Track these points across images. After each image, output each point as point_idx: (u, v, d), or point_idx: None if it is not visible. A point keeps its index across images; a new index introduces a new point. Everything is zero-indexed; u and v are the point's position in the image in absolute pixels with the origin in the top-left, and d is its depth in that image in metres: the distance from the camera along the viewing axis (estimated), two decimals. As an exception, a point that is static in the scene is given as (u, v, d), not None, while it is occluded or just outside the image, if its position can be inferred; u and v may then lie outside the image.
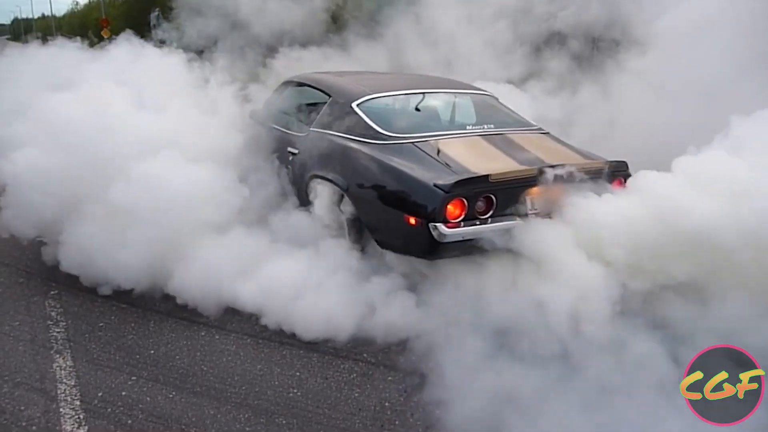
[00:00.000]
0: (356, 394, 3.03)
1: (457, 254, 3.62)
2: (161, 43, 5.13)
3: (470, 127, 4.39)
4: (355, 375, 3.19)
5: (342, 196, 4.13)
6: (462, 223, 3.54)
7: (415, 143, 4.00)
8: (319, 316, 3.52)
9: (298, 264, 3.87)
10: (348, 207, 4.09)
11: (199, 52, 5.40)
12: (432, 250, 3.58)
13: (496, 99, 5.05)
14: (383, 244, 3.91)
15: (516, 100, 5.58)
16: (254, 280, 3.83)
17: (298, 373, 3.20)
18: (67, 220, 4.11)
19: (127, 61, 4.85)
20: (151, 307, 3.92)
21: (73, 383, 3.09)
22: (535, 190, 3.68)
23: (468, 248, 3.56)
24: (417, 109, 4.65)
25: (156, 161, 4.06)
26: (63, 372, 3.19)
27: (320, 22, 7.79)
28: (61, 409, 2.88)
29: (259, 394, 3.03)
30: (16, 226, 4.31)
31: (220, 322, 3.73)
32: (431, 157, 3.83)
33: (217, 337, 3.57)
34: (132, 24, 5.49)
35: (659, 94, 5.37)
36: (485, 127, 4.38)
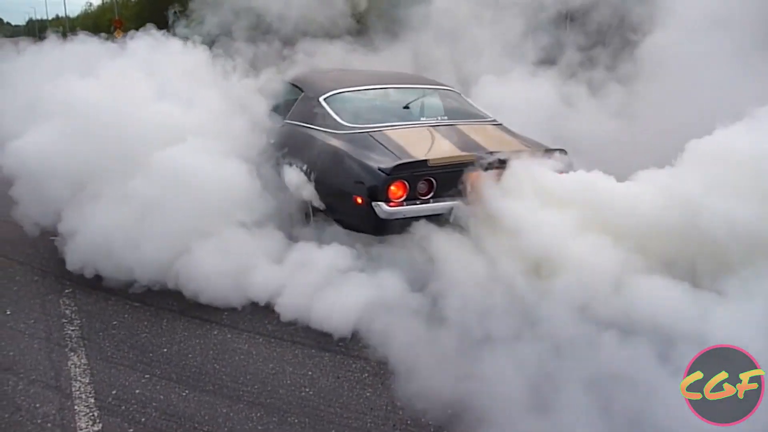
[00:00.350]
0: (368, 394, 3.03)
1: (400, 231, 3.95)
2: (184, 39, 5.24)
3: (424, 119, 4.79)
4: (366, 374, 3.20)
5: (306, 180, 4.39)
6: (404, 203, 3.93)
7: (370, 133, 4.39)
8: (332, 312, 3.57)
9: (316, 259, 3.94)
10: (309, 190, 4.33)
11: (211, 44, 5.48)
12: (377, 226, 3.96)
13: (459, 94, 5.43)
14: (340, 223, 4.23)
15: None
16: (272, 273, 3.94)
17: (310, 373, 3.21)
18: (84, 209, 4.17)
19: (149, 53, 4.97)
20: (164, 305, 3.94)
21: (87, 381, 3.12)
22: (474, 174, 3.95)
23: (411, 226, 3.91)
24: (405, 106, 4.93)
25: (181, 151, 4.14)
26: (78, 370, 3.22)
27: (342, 14, 7.75)
28: (75, 407, 2.91)
29: (271, 392, 3.04)
30: (31, 217, 4.38)
31: (232, 321, 3.75)
32: (382, 145, 4.21)
33: (229, 336, 3.59)
34: (144, 24, 5.54)
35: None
36: (439, 118, 4.79)
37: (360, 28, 8.39)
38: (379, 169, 3.92)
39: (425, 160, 3.96)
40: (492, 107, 5.32)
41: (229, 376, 3.19)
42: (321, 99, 4.83)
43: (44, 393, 3.02)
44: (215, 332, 3.63)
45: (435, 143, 4.36)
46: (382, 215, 3.87)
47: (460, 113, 4.99)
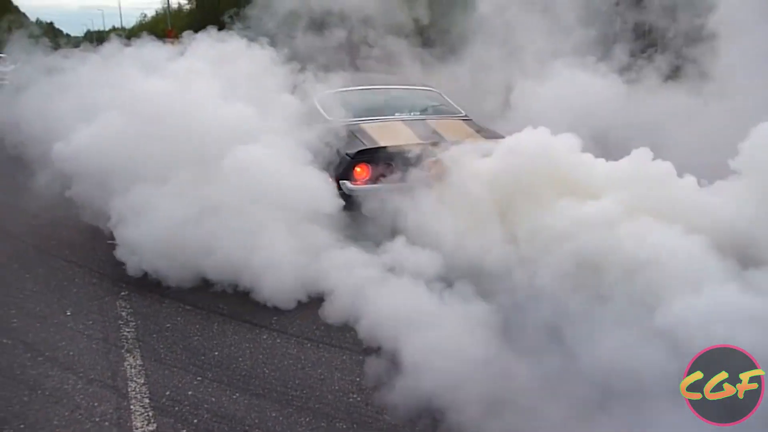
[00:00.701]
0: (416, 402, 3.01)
1: (362, 207, 4.50)
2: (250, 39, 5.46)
3: (398, 114, 5.50)
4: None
5: None
6: (367, 183, 4.72)
7: (348, 126, 5.11)
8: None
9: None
10: None
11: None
12: (344, 202, 4.51)
13: (439, 94, 6.11)
14: None
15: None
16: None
17: (357, 379, 3.22)
18: (148, 208, 4.32)
19: (214, 53, 5.18)
20: (215, 309, 4.03)
21: (142, 381, 3.21)
22: (433, 159, 4.52)
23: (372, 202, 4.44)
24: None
25: (255, 150, 4.29)
26: (133, 370, 3.31)
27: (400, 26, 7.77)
28: (131, 406, 2.99)
29: (319, 398, 3.07)
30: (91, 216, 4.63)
31: (281, 326, 3.79)
32: (356, 135, 4.97)
33: (278, 340, 3.63)
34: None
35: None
36: (411, 114, 5.55)
37: (423, 39, 8.38)
38: (346, 154, 4.75)
39: (385, 147, 4.74)
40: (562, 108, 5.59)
41: (278, 380, 3.23)
42: (314, 98, 5.46)
43: (102, 392, 3.12)
44: (264, 336, 3.68)
45: (400, 134, 5.06)
46: (347, 191, 4.61)
47: (434, 110, 5.82)
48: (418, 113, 5.63)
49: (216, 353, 3.50)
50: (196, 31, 5.95)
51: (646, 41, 7.44)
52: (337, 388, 3.15)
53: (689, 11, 6.55)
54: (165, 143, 4.36)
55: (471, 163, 4.26)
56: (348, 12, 7.58)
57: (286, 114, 4.84)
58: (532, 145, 3.91)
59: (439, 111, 5.83)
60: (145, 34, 6.15)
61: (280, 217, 4.21)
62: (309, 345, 3.58)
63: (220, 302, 4.08)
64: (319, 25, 7.50)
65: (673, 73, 6.59)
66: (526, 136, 4.02)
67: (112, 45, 5.80)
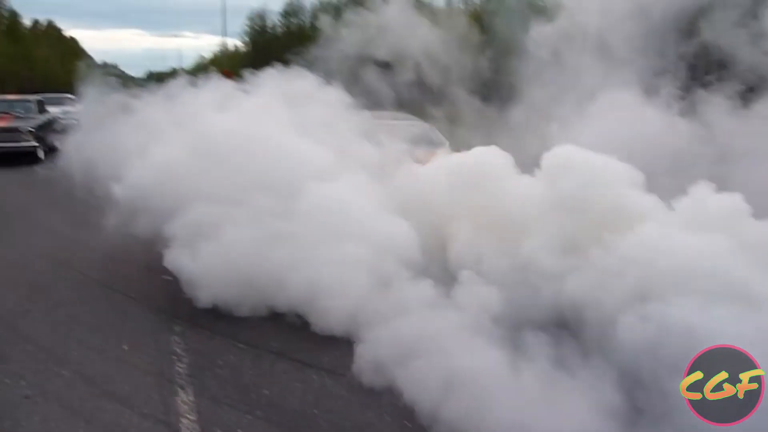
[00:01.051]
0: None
1: None
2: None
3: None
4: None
5: None
6: None
7: None
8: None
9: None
10: None
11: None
12: None
13: (429, 127, 7.14)
14: None
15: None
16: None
17: (409, 425, 3.16)
18: (217, 238, 4.47)
19: (285, 90, 5.42)
20: (266, 347, 4.05)
21: (194, 418, 3.23)
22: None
23: None
24: None
25: (334, 187, 4.47)
26: (185, 406, 3.35)
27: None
28: (183, 443, 3.02)
29: (369, 442, 3.02)
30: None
31: (332, 366, 3.78)
32: None
33: (328, 381, 3.62)
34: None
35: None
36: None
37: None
38: None
39: None
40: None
41: (327, 422, 3.20)
42: None
43: (155, 427, 3.15)
44: (315, 377, 3.67)
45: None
46: None
47: (420, 139, 6.74)
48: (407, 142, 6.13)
49: (266, 392, 3.51)
50: (253, 71, 6.18)
51: (705, 71, 7.25)
52: (386, 432, 3.10)
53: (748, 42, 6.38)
54: (237, 176, 4.55)
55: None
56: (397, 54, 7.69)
57: (360, 154, 4.95)
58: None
59: (416, 141, 6.57)
60: (205, 73, 6.39)
61: (353, 254, 4.24)
62: (359, 386, 3.54)
63: (271, 340, 4.11)
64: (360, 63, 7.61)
65: (737, 102, 6.38)
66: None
67: (180, 83, 6.04)
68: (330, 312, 4.11)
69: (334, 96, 5.56)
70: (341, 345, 3.97)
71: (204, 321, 4.44)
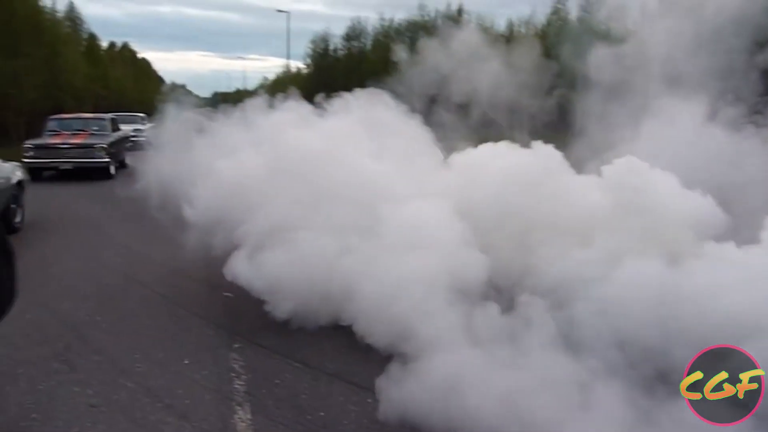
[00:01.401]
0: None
1: None
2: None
3: None
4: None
5: None
6: None
7: None
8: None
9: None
10: None
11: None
12: None
13: None
14: None
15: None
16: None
17: (464, 454, 3.10)
18: (294, 254, 4.57)
19: (366, 112, 5.56)
20: (323, 367, 4.07)
21: (251, 437, 3.27)
22: None
23: None
24: None
25: (419, 208, 4.50)
26: (243, 424, 3.39)
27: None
28: (240, 461, 3.05)
29: (424, 470, 2.98)
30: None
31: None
32: None
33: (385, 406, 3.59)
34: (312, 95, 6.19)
35: None
36: None
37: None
38: None
39: None
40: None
41: (382, 447, 3.18)
42: None
43: (213, 444, 3.20)
44: (370, 400, 3.65)
45: None
46: None
47: None
48: None
49: (322, 414, 3.51)
50: (314, 92, 6.32)
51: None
52: (442, 461, 3.05)
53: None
54: (312, 191, 4.71)
55: None
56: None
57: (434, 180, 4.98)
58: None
59: None
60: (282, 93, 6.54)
61: (419, 271, 4.19)
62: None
63: (328, 361, 4.13)
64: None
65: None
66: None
67: (256, 103, 6.20)
68: (388, 328, 4.06)
69: (410, 123, 5.64)
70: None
71: (262, 339, 4.51)
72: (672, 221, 4.12)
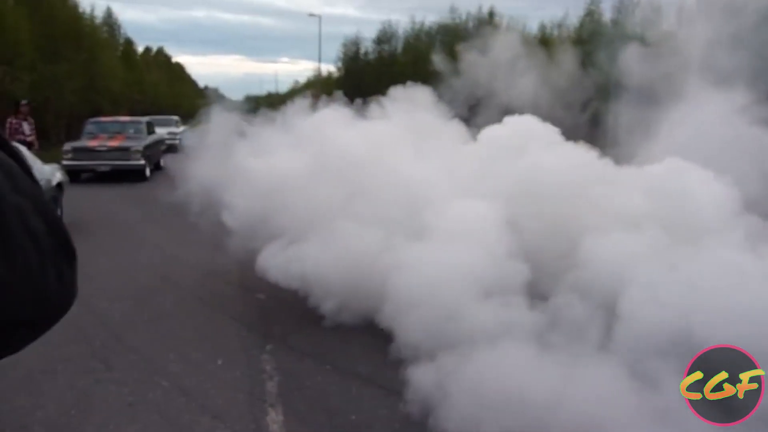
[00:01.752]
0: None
1: None
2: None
3: None
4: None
5: None
6: None
7: None
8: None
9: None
10: None
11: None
12: None
13: None
14: None
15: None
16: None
17: (496, 461, 3.07)
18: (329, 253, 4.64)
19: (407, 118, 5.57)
20: (353, 371, 4.08)
21: (283, 439, 3.30)
22: None
23: None
24: None
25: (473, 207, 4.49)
26: (275, 426, 3.42)
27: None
28: (272, 463, 3.07)
29: (455, 477, 2.96)
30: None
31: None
32: None
33: (414, 410, 3.58)
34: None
35: None
36: None
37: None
38: None
39: None
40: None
41: (413, 452, 3.17)
42: None
43: (246, 445, 3.24)
44: (401, 405, 3.64)
45: None
46: None
47: None
48: None
49: (353, 417, 3.52)
50: (345, 95, 6.35)
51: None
52: (473, 468, 3.03)
53: None
54: (361, 189, 4.80)
55: None
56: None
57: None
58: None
59: None
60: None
61: (454, 266, 4.14)
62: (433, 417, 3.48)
63: (359, 364, 4.14)
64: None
65: None
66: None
67: (298, 106, 6.25)
68: (424, 325, 3.97)
69: (451, 126, 5.66)
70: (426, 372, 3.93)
71: (293, 341, 4.54)
72: (714, 223, 4.00)
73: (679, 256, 3.72)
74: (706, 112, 6.44)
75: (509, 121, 5.51)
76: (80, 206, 10.11)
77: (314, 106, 6.10)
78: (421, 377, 3.50)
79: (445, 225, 4.36)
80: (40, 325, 0.50)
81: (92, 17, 31.10)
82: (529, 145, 5.06)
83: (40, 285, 0.48)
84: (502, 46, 6.62)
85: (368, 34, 68.46)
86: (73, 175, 12.80)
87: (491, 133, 5.53)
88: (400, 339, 4.10)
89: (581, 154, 5.05)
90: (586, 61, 7.57)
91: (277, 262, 4.86)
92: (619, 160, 5.27)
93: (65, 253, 0.51)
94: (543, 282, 4.30)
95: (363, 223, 4.65)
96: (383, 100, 5.91)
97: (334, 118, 5.59)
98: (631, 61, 6.83)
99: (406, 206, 4.61)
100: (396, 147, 5.04)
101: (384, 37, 38.91)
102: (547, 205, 4.62)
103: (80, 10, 28.87)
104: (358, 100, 6.07)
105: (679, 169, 4.40)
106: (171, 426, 3.41)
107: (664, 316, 3.26)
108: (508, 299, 3.93)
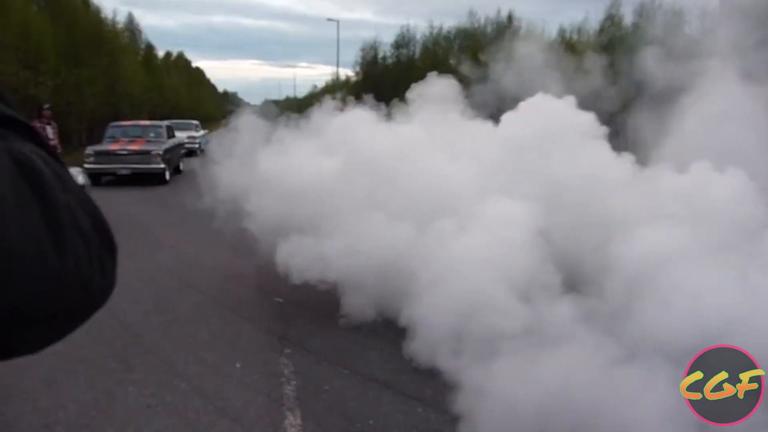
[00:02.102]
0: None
1: None
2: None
3: None
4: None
5: None
6: None
7: None
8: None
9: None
10: None
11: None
12: None
13: None
14: None
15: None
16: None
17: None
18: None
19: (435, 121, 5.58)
20: (371, 376, 4.07)
21: (301, 442, 3.29)
22: None
23: None
24: None
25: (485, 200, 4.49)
26: (293, 429, 3.42)
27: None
28: (290, 467, 3.07)
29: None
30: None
31: (435, 400, 3.72)
32: None
33: (432, 416, 3.57)
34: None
35: None
36: None
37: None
38: None
39: None
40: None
41: (431, 458, 3.15)
42: None
43: (264, 448, 3.24)
44: (419, 410, 3.63)
45: None
46: None
47: None
48: None
49: (371, 422, 3.51)
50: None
51: None
52: (492, 475, 3.00)
53: None
54: (392, 189, 4.81)
55: None
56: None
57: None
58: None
59: None
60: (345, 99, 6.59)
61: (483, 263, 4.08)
62: (462, 423, 3.46)
63: (376, 370, 4.13)
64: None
65: None
66: None
67: (324, 109, 6.24)
68: (448, 323, 3.93)
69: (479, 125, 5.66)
70: (445, 376, 3.90)
71: (312, 345, 4.55)
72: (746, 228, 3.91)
73: (709, 261, 3.64)
74: (731, 116, 6.34)
75: (538, 104, 5.24)
76: (101, 209, 10.20)
77: (341, 109, 6.12)
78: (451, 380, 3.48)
79: (477, 223, 4.32)
80: (80, 317, 0.53)
81: (114, 23, 31.49)
82: (563, 138, 4.98)
83: (86, 277, 0.50)
84: (528, 53, 6.56)
85: (386, 39, 68.72)
86: (95, 178, 12.96)
87: (521, 119, 5.30)
88: (423, 340, 4.07)
89: (611, 154, 5.00)
90: (612, 68, 7.48)
91: (301, 258, 4.86)
92: (643, 164, 5.21)
93: (108, 247, 0.55)
94: (574, 282, 4.23)
95: (394, 219, 4.65)
96: (408, 95, 5.93)
97: (365, 119, 5.60)
98: (654, 66, 6.75)
99: (437, 203, 4.60)
100: (427, 146, 5.05)
101: (402, 42, 38.93)
102: (579, 205, 4.56)
103: (102, 15, 29.25)
104: (380, 104, 6.06)
105: (707, 174, 4.32)
106: (189, 428, 3.42)
107: (693, 323, 3.21)
108: (540, 299, 3.86)
